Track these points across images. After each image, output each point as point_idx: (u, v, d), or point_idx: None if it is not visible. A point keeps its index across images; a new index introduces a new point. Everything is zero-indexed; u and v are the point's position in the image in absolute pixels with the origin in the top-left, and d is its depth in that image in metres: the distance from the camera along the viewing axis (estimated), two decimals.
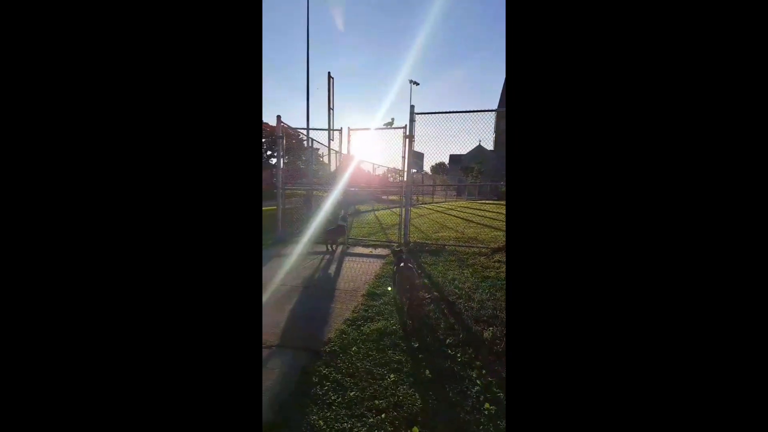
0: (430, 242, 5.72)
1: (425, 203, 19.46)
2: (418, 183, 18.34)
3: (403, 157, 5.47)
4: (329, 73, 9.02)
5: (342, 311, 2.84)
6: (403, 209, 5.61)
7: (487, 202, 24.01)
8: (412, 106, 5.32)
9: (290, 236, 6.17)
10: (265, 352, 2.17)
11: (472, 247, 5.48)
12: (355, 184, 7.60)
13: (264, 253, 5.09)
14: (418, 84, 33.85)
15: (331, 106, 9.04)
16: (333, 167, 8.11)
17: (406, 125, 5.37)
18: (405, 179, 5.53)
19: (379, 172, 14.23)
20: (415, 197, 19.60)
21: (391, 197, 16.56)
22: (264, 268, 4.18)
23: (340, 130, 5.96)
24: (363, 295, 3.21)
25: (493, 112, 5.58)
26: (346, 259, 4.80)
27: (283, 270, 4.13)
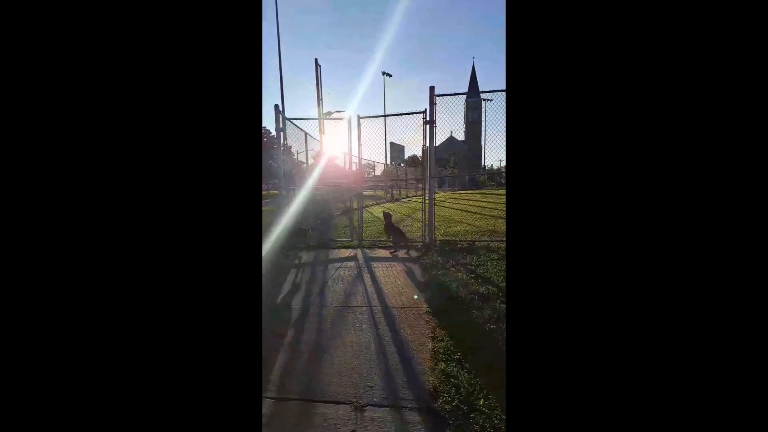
0: (456, 239, 5.21)
1: (409, 197, 18.99)
2: (402, 177, 17.81)
3: (425, 147, 4.89)
4: (316, 60, 8.19)
5: (420, 340, 2.25)
6: (427, 204, 5.04)
7: (467, 192, 24.04)
8: (431, 88, 4.73)
9: (301, 241, 5.43)
10: (349, 415, 1.55)
11: (504, 241, 5.03)
12: (338, 181, 6.83)
13: (282, 263, 4.36)
14: (390, 76, 33.25)
15: (320, 96, 8.24)
16: (308, 163, 7.21)
17: (426, 109, 4.78)
18: (429, 171, 4.95)
19: (348, 167, 13.13)
20: (398, 191, 19.03)
21: (378, 192, 15.88)
22: (289, 283, 3.48)
23: (349, 119, 5.26)
24: (428, 313, 2.64)
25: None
26: (374, 265, 4.18)
27: (314, 285, 3.45)
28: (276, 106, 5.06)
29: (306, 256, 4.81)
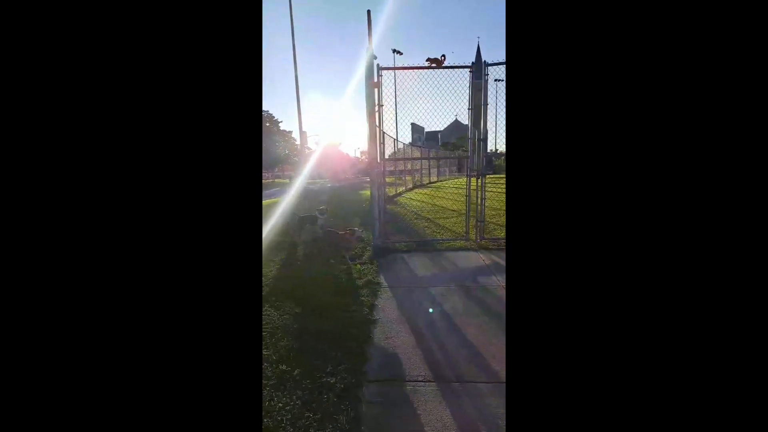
0: None
1: (432, 183, 17.27)
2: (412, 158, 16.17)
3: None
4: (369, 11, 6.64)
5: None
6: None
7: (496, 177, 22.75)
8: None
9: (392, 242, 4.15)
10: None
11: None
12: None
13: (389, 290, 3.07)
14: (401, 54, 31.21)
15: (375, 55, 6.73)
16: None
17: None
18: None
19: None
20: (420, 176, 17.26)
21: (398, 179, 14.18)
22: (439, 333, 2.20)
23: (471, 66, 3.81)
24: None
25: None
26: None
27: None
28: (374, 57, 3.67)
29: (416, 261, 3.55)
